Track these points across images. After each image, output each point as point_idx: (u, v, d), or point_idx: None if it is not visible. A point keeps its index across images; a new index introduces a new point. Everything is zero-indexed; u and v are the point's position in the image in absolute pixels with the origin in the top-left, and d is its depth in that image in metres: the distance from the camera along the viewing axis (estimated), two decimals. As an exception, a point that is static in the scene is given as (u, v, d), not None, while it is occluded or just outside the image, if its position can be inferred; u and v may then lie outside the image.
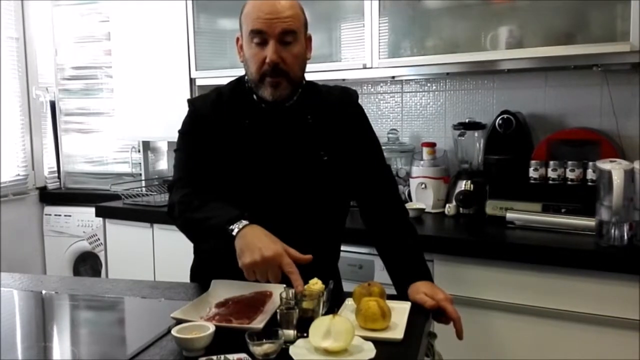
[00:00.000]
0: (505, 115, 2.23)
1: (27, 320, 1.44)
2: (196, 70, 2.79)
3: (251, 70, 1.45)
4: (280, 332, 1.10)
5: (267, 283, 1.27)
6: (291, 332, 1.15)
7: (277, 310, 1.18)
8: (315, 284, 1.24)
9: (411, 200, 2.44)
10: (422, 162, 2.43)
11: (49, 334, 1.36)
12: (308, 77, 1.58)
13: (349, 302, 1.34)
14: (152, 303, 1.45)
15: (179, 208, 1.43)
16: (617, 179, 1.71)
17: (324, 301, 1.23)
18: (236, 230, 1.28)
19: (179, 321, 1.20)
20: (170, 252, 2.57)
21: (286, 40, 1.42)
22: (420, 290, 1.38)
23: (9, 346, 1.21)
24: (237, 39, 1.52)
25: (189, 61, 2.81)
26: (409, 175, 2.49)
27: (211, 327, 1.12)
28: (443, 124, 2.58)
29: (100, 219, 2.86)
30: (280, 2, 1.41)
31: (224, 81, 1.60)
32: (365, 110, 1.64)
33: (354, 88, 1.63)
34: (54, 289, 1.59)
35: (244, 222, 1.30)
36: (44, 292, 1.57)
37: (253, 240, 1.26)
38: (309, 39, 1.52)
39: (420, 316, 1.30)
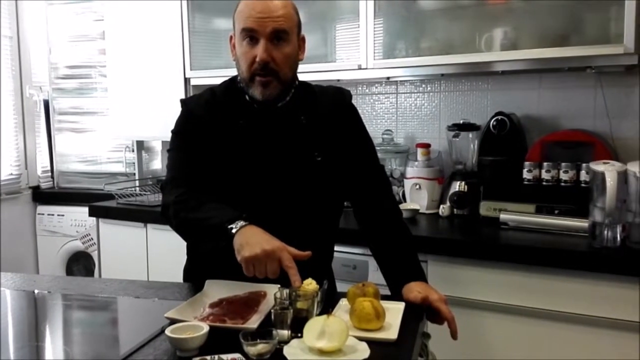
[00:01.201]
0: (499, 117, 2.24)
1: (19, 320, 1.43)
2: (191, 69, 2.79)
3: (242, 68, 1.46)
4: (274, 332, 1.10)
5: (265, 278, 1.26)
6: (285, 332, 1.15)
7: (271, 311, 1.18)
8: (310, 284, 1.24)
9: (405, 201, 2.44)
10: (416, 163, 2.43)
11: (41, 333, 1.35)
12: (302, 77, 1.58)
13: (343, 303, 1.34)
14: (145, 303, 1.45)
15: (174, 208, 1.42)
16: (611, 181, 1.72)
17: (318, 301, 1.23)
18: (235, 229, 1.28)
19: (173, 321, 1.20)
20: (163, 252, 2.57)
21: (277, 39, 1.42)
22: (414, 290, 1.38)
23: (1, 346, 1.20)
24: (230, 37, 1.52)
25: (183, 61, 2.80)
26: (403, 175, 2.50)
27: (205, 327, 1.12)
28: (437, 125, 2.58)
29: (94, 218, 2.85)
30: (272, 1, 1.41)
31: (219, 81, 1.60)
32: (360, 111, 1.65)
33: (348, 89, 1.63)
34: (47, 289, 1.58)
35: (243, 222, 1.30)
36: (36, 291, 1.56)
37: (253, 237, 1.26)
38: (302, 40, 1.52)
39: (414, 316, 1.30)
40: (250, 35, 1.41)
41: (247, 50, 1.43)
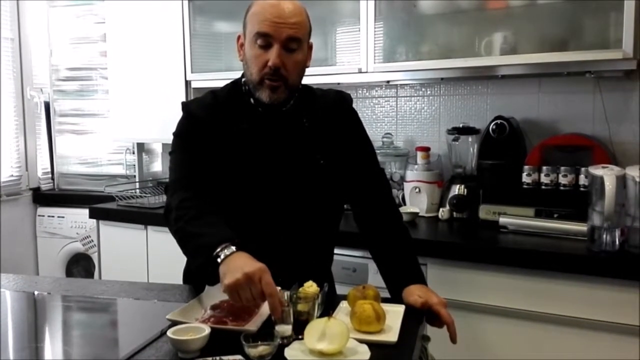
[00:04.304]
0: (499, 121, 2.25)
1: (19, 321, 1.44)
2: (192, 72, 2.80)
3: (251, 70, 1.45)
4: (275, 333, 1.11)
5: (254, 305, 1.24)
6: (287, 328, 1.16)
7: (270, 310, 1.19)
8: (311, 287, 1.25)
9: (405, 204, 2.45)
10: (416, 166, 2.44)
11: (41, 335, 1.36)
12: (303, 80, 1.58)
13: (344, 305, 1.35)
14: (146, 305, 1.45)
15: (175, 214, 1.39)
16: (609, 185, 1.73)
17: (318, 304, 1.24)
18: (221, 258, 1.24)
19: (174, 323, 1.20)
20: (164, 254, 2.57)
21: (290, 47, 1.41)
22: (414, 293, 1.39)
23: (1, 347, 1.20)
24: (238, 37, 1.51)
25: (184, 63, 2.80)
26: (403, 179, 2.50)
27: (207, 329, 1.12)
28: (437, 129, 2.59)
29: (94, 220, 2.85)
30: (288, 6, 1.41)
31: (220, 84, 1.60)
32: (360, 115, 1.65)
33: (348, 92, 1.64)
34: (48, 290, 1.59)
35: (232, 249, 1.25)
36: (36, 293, 1.57)
37: (236, 263, 1.22)
38: (309, 47, 1.51)
39: (414, 319, 1.31)
40: (264, 39, 1.40)
41: (259, 54, 1.42)
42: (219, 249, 1.25)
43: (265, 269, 1.19)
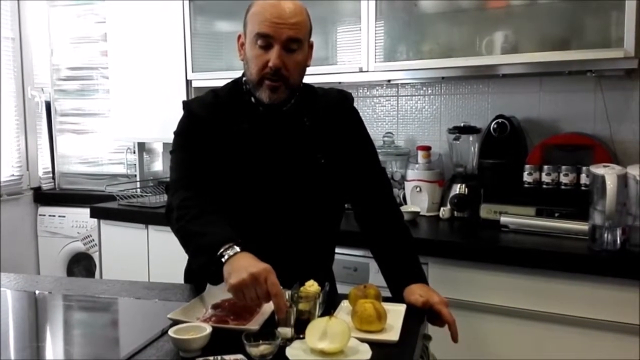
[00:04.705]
0: (500, 120, 2.25)
1: (20, 320, 1.44)
2: (192, 72, 2.80)
3: (251, 70, 1.45)
4: (277, 332, 1.11)
5: (257, 305, 1.25)
6: (288, 330, 1.16)
7: (274, 311, 1.18)
8: (312, 286, 1.25)
9: (406, 204, 2.45)
10: (417, 166, 2.44)
11: (42, 334, 1.36)
12: (304, 79, 1.58)
13: (345, 304, 1.35)
14: (147, 304, 1.45)
15: (177, 213, 1.39)
16: (610, 184, 1.73)
17: (320, 303, 1.24)
18: (225, 258, 1.24)
19: (175, 322, 1.20)
20: (165, 253, 2.57)
21: (291, 47, 1.41)
22: (415, 292, 1.39)
23: (2, 346, 1.20)
24: (239, 37, 1.50)
25: (185, 63, 2.81)
26: (404, 178, 2.50)
27: (208, 328, 1.12)
28: (438, 128, 2.59)
29: (95, 219, 2.85)
30: (289, 6, 1.40)
31: (220, 83, 1.59)
32: (361, 114, 1.65)
33: (349, 91, 1.64)
34: (49, 289, 1.59)
35: (236, 249, 1.25)
36: (37, 292, 1.57)
37: (240, 263, 1.22)
38: (310, 46, 1.51)
39: (415, 318, 1.31)
40: (264, 40, 1.40)
41: (259, 54, 1.41)
42: (222, 249, 1.24)
43: (271, 269, 1.20)
